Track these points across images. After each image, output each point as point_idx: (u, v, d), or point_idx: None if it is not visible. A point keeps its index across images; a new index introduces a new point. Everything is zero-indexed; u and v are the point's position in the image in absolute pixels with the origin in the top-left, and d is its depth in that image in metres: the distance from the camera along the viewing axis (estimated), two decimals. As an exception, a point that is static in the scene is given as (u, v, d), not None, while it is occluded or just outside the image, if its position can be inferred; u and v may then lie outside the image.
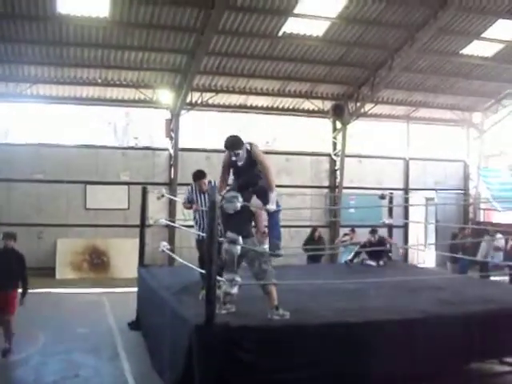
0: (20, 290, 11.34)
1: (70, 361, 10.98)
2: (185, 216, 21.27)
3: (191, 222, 11.81)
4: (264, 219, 9.27)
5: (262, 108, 25.86)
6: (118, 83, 23.36)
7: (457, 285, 12.58)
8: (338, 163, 26.84)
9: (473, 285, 13.08)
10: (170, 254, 14.20)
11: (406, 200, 26.48)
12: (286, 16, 20.31)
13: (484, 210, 29.80)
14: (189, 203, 11.36)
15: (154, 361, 10.59)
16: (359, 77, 24.73)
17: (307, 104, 26.15)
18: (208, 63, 22.55)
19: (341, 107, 25.49)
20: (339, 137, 26.69)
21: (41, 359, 11.08)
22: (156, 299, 11.17)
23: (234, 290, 8.74)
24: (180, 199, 13.17)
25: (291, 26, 20.92)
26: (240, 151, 9.05)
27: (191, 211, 11.49)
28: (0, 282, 11.04)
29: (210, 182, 11.10)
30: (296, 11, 20.11)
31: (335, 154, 26.95)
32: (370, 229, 16.88)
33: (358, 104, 25.59)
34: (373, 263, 15.86)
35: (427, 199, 27.74)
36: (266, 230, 9.24)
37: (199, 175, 11.35)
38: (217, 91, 24.32)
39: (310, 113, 26.57)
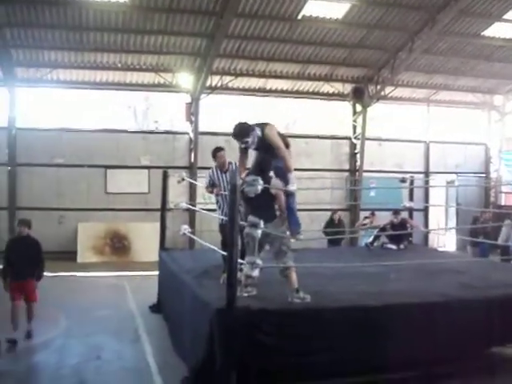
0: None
1: (92, 343, 11.03)
2: (205, 199, 21.33)
3: (212, 206, 11.83)
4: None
5: (281, 91, 25.78)
6: (138, 67, 23.39)
7: (477, 269, 12.51)
8: (358, 146, 26.76)
9: (494, 269, 12.97)
10: (192, 236, 14.26)
11: (427, 183, 26.36)
12: (306, -1, 20.24)
13: (505, 193, 29.59)
14: (210, 187, 11.36)
15: (176, 344, 10.63)
16: (379, 59, 24.58)
17: (327, 87, 26.07)
18: (227, 46, 22.52)
19: (361, 90, 25.39)
20: (359, 120, 26.61)
21: (63, 342, 11.16)
22: (177, 283, 11.20)
23: (256, 273, 8.74)
24: (200, 183, 13.17)
25: (311, 9, 20.79)
26: (248, 139, 9.07)
27: (212, 194, 11.51)
28: (19, 270, 11.00)
29: (230, 163, 11.09)
30: (315, -6, 20.03)
31: (355, 137, 26.88)
32: (392, 211, 16.81)
33: (378, 87, 25.47)
34: (393, 247, 15.78)
35: (448, 182, 27.60)
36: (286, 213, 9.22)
37: (216, 150, 11.31)
38: (236, 75, 24.28)
39: (329, 96, 26.50)
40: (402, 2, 20.79)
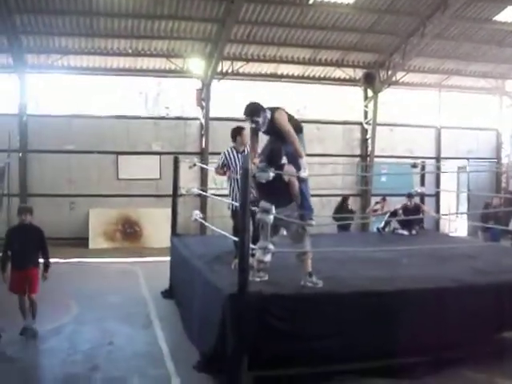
0: (41, 265, 10.87)
1: (104, 329, 11.08)
2: (216, 185, 21.38)
3: (224, 191, 11.81)
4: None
5: (292, 76, 25.69)
6: (149, 53, 23.32)
7: (489, 253, 12.49)
8: (369, 132, 26.71)
9: (505, 253, 12.96)
10: (203, 222, 14.27)
11: (438, 169, 26.32)
12: (317, -17, 20.17)
13: (517, 178, 29.52)
14: (222, 168, 11.32)
15: (188, 329, 10.66)
16: (390, 44, 24.47)
17: (338, 72, 25.97)
18: (238, 32, 22.46)
19: (372, 75, 25.31)
20: (370, 105, 26.54)
21: (75, 328, 11.19)
22: (189, 268, 11.23)
23: (268, 258, 8.75)
24: (212, 168, 13.13)
25: (322, -6, 20.73)
26: (259, 119, 9.05)
27: (224, 179, 11.48)
28: (19, 260, 10.56)
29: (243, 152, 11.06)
30: (327, -22, 19.96)
31: (367, 123, 26.81)
32: (407, 194, 16.80)
33: (390, 72, 25.37)
34: (405, 232, 15.79)
35: (459, 168, 27.53)
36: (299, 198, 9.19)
37: (239, 128, 11.29)
38: (247, 60, 24.21)
39: (341, 81, 26.37)
40: (414, -14, 20.71)
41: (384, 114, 26.64)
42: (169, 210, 14.87)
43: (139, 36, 22.20)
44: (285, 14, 21.67)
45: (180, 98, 25.09)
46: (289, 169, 9.01)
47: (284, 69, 25.22)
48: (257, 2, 20.76)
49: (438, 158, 27.84)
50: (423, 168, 19.03)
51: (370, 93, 26.46)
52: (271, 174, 8.45)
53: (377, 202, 20.56)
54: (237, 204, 9.99)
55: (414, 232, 15.72)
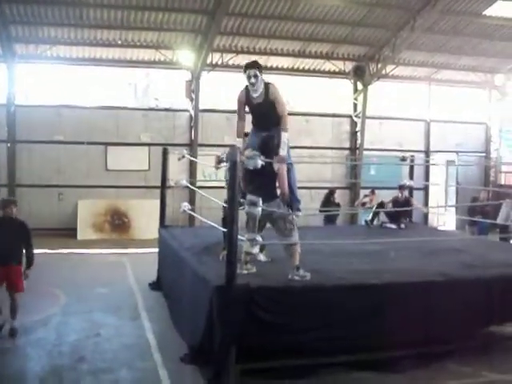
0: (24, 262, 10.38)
1: (92, 320, 11.10)
2: (205, 177, 21.36)
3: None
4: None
5: (282, 69, 25.65)
6: (138, 44, 23.27)
7: (477, 247, 12.54)
8: (358, 125, 26.71)
9: (493, 248, 13.01)
10: (192, 213, 14.27)
11: (427, 162, 26.37)
12: (307, -24, 20.15)
13: (505, 173, 29.59)
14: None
15: (175, 321, 10.69)
16: (380, 38, 24.46)
17: (328, 65, 25.97)
18: (228, 24, 22.41)
19: (362, 68, 25.32)
20: (360, 98, 26.54)
21: (62, 319, 11.19)
22: (177, 260, 11.23)
23: (255, 250, 8.76)
24: (201, 160, 13.13)
25: (312, -14, 20.70)
26: (258, 75, 9.11)
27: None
28: (2, 254, 10.04)
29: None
30: (317, -29, 19.93)
31: (356, 116, 26.83)
32: (398, 185, 16.78)
33: (379, 65, 25.37)
34: (393, 226, 15.79)
35: (448, 161, 27.59)
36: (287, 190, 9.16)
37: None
38: (237, 52, 24.17)
39: (330, 74, 26.38)
40: (405, -20, 20.73)
41: (373, 107, 26.66)
42: (157, 202, 14.88)
43: (129, 27, 22.11)
44: (275, 6, 21.63)
45: (169, 89, 25.06)
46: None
47: (274, 61, 25.19)
48: (247, -6, 20.75)
49: (427, 152, 27.91)
50: (412, 161, 19.07)
51: (359, 86, 26.47)
52: (259, 162, 8.43)
53: (366, 195, 20.56)
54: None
55: (402, 226, 15.70)
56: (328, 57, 25.58)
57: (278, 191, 8.98)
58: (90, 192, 23.52)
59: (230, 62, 24.21)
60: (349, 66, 25.86)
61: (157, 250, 14.32)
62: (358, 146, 26.74)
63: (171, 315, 11.17)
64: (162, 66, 24.27)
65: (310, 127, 25.87)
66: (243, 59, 23.22)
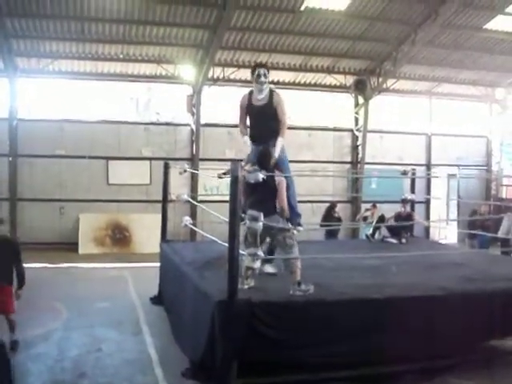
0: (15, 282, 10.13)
1: (93, 335, 11.07)
2: (207, 191, 21.37)
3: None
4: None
5: (283, 83, 25.60)
6: (140, 59, 23.32)
7: (478, 261, 12.54)
8: (360, 139, 26.74)
9: (494, 262, 12.98)
10: (193, 228, 14.27)
11: (428, 176, 26.38)
12: (309, -10, 20.21)
13: (506, 186, 29.59)
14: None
15: (177, 335, 10.65)
16: (381, 52, 24.53)
17: (329, 79, 26.02)
18: (230, 38, 22.47)
19: (363, 82, 25.34)
20: (361, 112, 26.57)
21: (64, 333, 11.16)
22: (178, 274, 11.22)
23: (257, 265, 8.77)
24: (203, 173, 13.14)
25: (313, 1, 20.71)
26: (267, 75, 9.31)
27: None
28: None
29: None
30: (318, -15, 20.00)
31: (357, 130, 26.85)
32: (401, 199, 16.74)
33: (380, 79, 25.45)
34: (394, 241, 15.71)
35: (449, 175, 27.60)
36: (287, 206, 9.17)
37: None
38: (238, 66, 24.21)
39: (332, 88, 26.43)
40: (405, -6, 20.79)
41: (375, 121, 26.69)
42: (159, 216, 14.88)
43: (131, 41, 22.18)
44: (276, 20, 21.70)
45: (171, 103, 25.12)
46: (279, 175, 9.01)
47: (275, 75, 25.15)
48: (248, 8, 20.78)
49: (428, 165, 27.94)
50: (413, 175, 19.06)
51: (360, 99, 26.50)
52: (260, 175, 8.47)
53: (367, 209, 20.54)
54: None
55: (403, 240, 15.61)
56: (329, 71, 25.64)
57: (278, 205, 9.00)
58: (92, 206, 23.52)
59: (232, 77, 24.26)
60: (350, 79, 25.86)
61: (158, 264, 14.27)
62: (359, 159, 26.75)
63: (172, 330, 11.14)
64: (163, 80, 24.32)
65: (312, 141, 25.91)
66: (244, 73, 23.37)
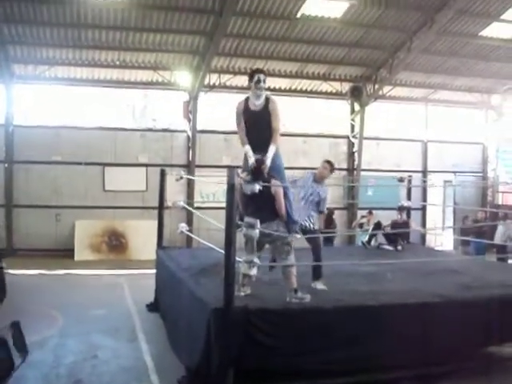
0: None
1: (89, 342, 11.01)
2: (203, 198, 21.34)
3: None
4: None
5: (279, 90, 25.63)
6: (136, 65, 23.37)
7: (475, 268, 12.51)
8: (356, 145, 26.78)
9: (491, 268, 13.02)
10: (190, 234, 14.25)
11: (424, 183, 26.39)
12: (305, -3, 20.24)
13: (502, 192, 29.62)
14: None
15: (173, 343, 10.61)
16: (377, 59, 24.59)
17: (325, 86, 26.07)
18: (226, 45, 22.51)
19: (359, 89, 25.36)
20: (357, 119, 26.61)
21: (59, 340, 11.10)
22: (174, 281, 11.19)
23: (254, 272, 8.75)
24: (199, 180, 13.14)
25: (309, 8, 20.77)
26: (265, 82, 9.19)
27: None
28: None
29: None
30: (314, -8, 20.03)
31: (353, 136, 26.89)
32: (398, 207, 16.74)
33: (376, 86, 25.52)
34: (390, 248, 15.69)
35: (445, 182, 27.63)
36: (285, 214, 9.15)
37: (330, 162, 11.42)
38: (235, 73, 24.26)
39: (328, 95, 26.50)
40: (401, 1, 20.84)
41: (371, 128, 26.74)
42: (155, 223, 14.83)
43: (127, 48, 22.22)
44: (272, 27, 21.76)
45: (167, 110, 25.16)
46: (275, 183, 8.98)
47: (271, 82, 25.15)
48: (245, 15, 20.82)
49: (424, 172, 27.99)
50: (410, 182, 19.07)
51: (356, 106, 26.55)
52: (257, 186, 8.45)
53: (363, 216, 20.58)
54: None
55: (399, 248, 15.58)
56: (325, 78, 25.70)
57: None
58: (88, 213, 23.49)
59: (228, 83, 24.32)
60: (346, 86, 25.91)
61: (154, 270, 14.24)
62: (355, 166, 26.79)
63: (169, 337, 11.10)
64: (159, 86, 24.36)
65: (307, 148, 25.93)
66: (241, 80, 23.43)
